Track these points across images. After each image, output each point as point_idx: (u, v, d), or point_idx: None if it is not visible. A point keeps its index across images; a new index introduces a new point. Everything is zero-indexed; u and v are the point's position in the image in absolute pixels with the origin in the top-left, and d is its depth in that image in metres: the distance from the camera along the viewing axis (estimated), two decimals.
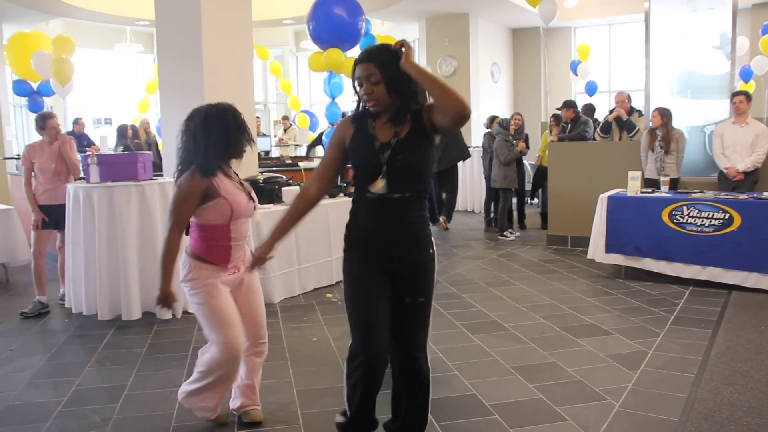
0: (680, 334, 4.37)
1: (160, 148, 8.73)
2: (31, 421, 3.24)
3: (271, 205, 5.50)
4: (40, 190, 5.26)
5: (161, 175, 5.72)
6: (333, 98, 8.12)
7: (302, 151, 11.26)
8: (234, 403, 3.18)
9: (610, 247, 5.93)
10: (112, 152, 7.54)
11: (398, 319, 2.50)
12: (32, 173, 5.30)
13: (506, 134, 8.25)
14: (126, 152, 6.68)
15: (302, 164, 7.90)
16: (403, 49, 2.30)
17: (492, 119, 9.09)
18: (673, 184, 6.40)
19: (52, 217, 5.23)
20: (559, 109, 8.56)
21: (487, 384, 3.59)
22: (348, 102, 6.25)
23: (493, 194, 9.10)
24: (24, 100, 9.72)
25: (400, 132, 2.41)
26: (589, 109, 8.96)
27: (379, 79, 2.33)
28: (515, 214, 9.01)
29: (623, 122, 7.33)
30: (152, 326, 4.80)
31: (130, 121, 11.49)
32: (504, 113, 13.25)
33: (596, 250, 6.03)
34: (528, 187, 9.72)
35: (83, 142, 9.01)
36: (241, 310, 2.98)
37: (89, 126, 12.71)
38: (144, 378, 3.80)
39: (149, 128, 10.07)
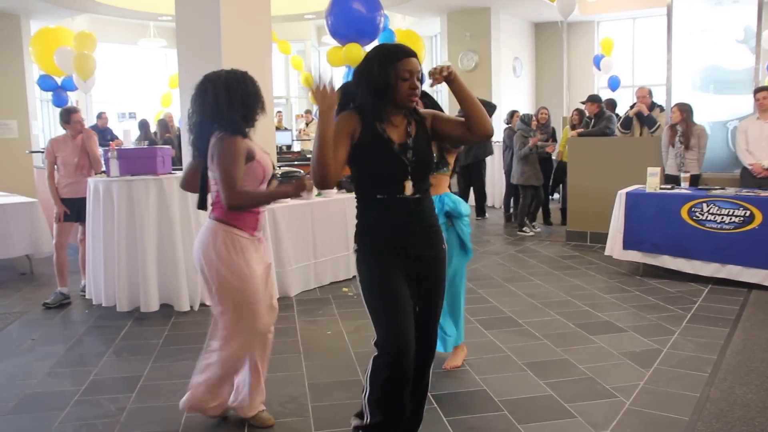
0: (696, 332, 4.32)
1: None
2: (49, 409, 3.32)
3: (289, 199, 5.53)
4: (62, 184, 5.36)
5: (180, 169, 5.79)
6: None
7: None
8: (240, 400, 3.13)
9: (627, 244, 5.87)
10: (134, 146, 7.65)
11: (418, 317, 2.50)
12: (55, 167, 5.40)
13: (526, 129, 8.19)
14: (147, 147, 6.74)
15: None
16: (451, 69, 2.41)
17: (512, 114, 9.04)
18: (695, 181, 6.31)
19: (73, 210, 5.33)
20: (583, 103, 8.48)
21: (498, 380, 3.59)
22: None
23: (513, 190, 9.07)
24: (50, 95, 9.88)
25: (411, 132, 2.44)
26: (611, 104, 8.86)
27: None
28: (541, 210, 8.89)
29: (644, 118, 7.24)
30: (169, 318, 4.88)
31: (153, 115, 11.66)
32: (526, 108, 13.18)
33: (614, 246, 5.98)
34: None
35: (107, 136, 9.16)
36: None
37: (114, 120, 12.92)
38: (159, 369, 3.87)
39: (173, 122, 10.18)
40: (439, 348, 3.69)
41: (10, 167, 10.11)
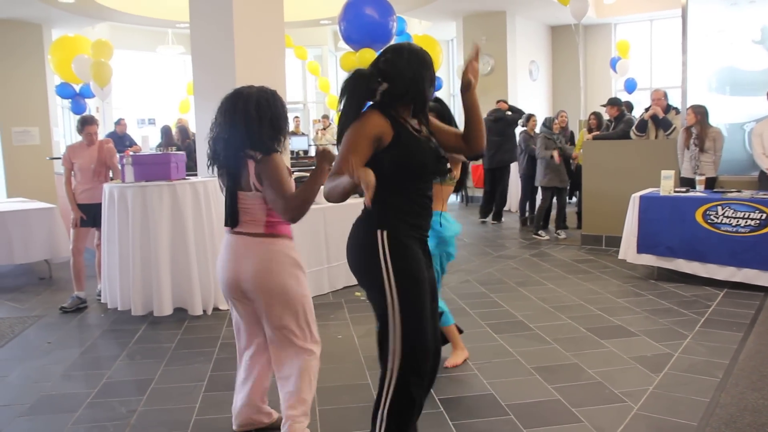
0: (709, 336, 4.27)
1: None
2: (62, 411, 3.39)
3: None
4: (79, 189, 5.46)
5: (195, 175, 5.87)
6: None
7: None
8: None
9: (641, 248, 5.82)
10: (154, 152, 7.74)
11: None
12: (72, 173, 5.50)
13: (549, 133, 8.15)
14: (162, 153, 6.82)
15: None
16: (473, 82, 2.42)
17: (528, 117, 9.01)
18: (711, 183, 6.24)
19: (90, 216, 5.42)
20: (603, 106, 8.43)
21: (506, 384, 3.58)
22: None
23: (528, 194, 9.05)
24: (69, 102, 10.05)
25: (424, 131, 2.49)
26: (627, 106, 8.82)
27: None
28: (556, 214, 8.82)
29: (659, 120, 7.18)
30: (183, 322, 4.93)
31: (171, 122, 11.79)
32: (542, 112, 13.13)
33: (627, 250, 5.94)
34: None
35: (125, 142, 9.28)
36: None
37: (133, 126, 13.10)
38: (171, 372, 3.92)
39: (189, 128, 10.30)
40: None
41: (31, 173, 10.30)
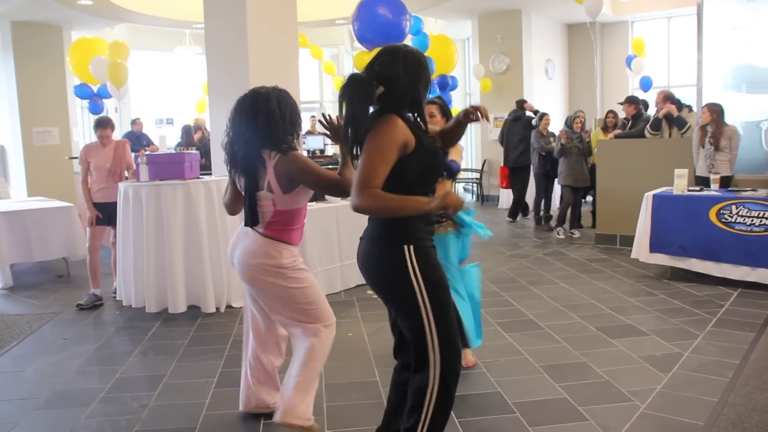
0: (721, 336, 4.25)
1: None
2: (75, 405, 3.46)
3: (314, 203, 5.61)
4: (94, 188, 5.55)
5: (209, 174, 5.94)
6: None
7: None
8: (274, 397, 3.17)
9: (654, 247, 5.79)
10: (172, 151, 7.83)
11: None
12: (89, 172, 5.59)
13: (569, 132, 8.13)
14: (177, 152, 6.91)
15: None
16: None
17: (541, 116, 8.98)
18: (726, 182, 6.19)
19: (105, 214, 5.51)
20: (620, 104, 8.37)
21: (514, 382, 3.59)
22: None
23: (542, 192, 9.03)
24: (87, 103, 10.21)
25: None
26: (643, 105, 8.74)
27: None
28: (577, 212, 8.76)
29: (674, 119, 7.12)
30: (196, 319, 5.00)
31: (189, 121, 11.90)
32: (558, 110, 13.06)
33: (640, 249, 5.90)
34: None
35: (142, 141, 9.40)
36: None
37: (152, 126, 13.23)
38: (183, 368, 3.98)
39: (205, 127, 10.39)
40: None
41: (51, 173, 10.46)
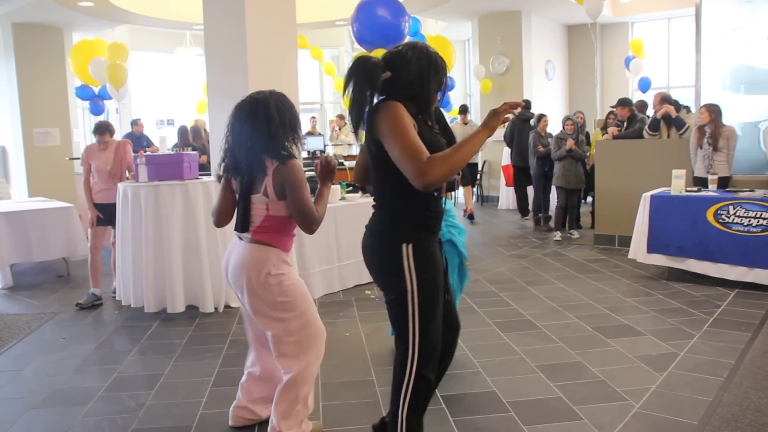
0: (717, 336, 4.26)
1: None
2: (73, 404, 3.48)
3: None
4: (95, 189, 5.58)
5: (208, 175, 5.95)
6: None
7: (356, 150, 11.43)
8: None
9: (652, 247, 5.80)
10: (171, 153, 7.86)
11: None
12: (90, 173, 5.63)
13: (562, 133, 8.15)
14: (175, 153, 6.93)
15: (347, 164, 8.04)
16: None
17: (539, 118, 9.00)
18: (724, 183, 6.20)
19: (106, 215, 5.54)
20: (613, 107, 8.39)
21: (509, 381, 3.61)
22: None
23: (540, 193, 9.04)
24: (88, 104, 10.23)
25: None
26: (642, 106, 8.76)
27: None
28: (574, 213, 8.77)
29: (673, 119, 7.13)
30: (194, 319, 5.02)
31: (188, 122, 11.93)
32: (558, 111, 13.07)
33: (638, 250, 5.92)
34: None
35: (143, 142, 9.43)
36: None
37: (152, 127, 13.27)
38: (180, 368, 4.00)
39: (205, 128, 10.41)
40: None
41: (52, 173, 10.50)
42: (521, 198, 10.07)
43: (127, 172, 5.73)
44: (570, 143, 7.95)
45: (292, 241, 2.91)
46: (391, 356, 2.82)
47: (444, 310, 2.44)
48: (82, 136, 12.13)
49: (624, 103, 8.17)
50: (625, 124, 8.09)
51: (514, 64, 12.25)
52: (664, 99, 7.24)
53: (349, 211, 5.84)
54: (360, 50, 8.27)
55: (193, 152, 5.64)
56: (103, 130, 5.64)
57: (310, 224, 2.69)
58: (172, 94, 14.96)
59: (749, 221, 5.30)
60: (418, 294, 2.30)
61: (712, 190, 5.85)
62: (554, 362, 3.88)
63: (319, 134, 12.75)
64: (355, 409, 3.34)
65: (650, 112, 8.83)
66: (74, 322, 5.11)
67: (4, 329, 4.93)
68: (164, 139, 6.96)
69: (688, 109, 7.23)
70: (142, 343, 4.50)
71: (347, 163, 8.07)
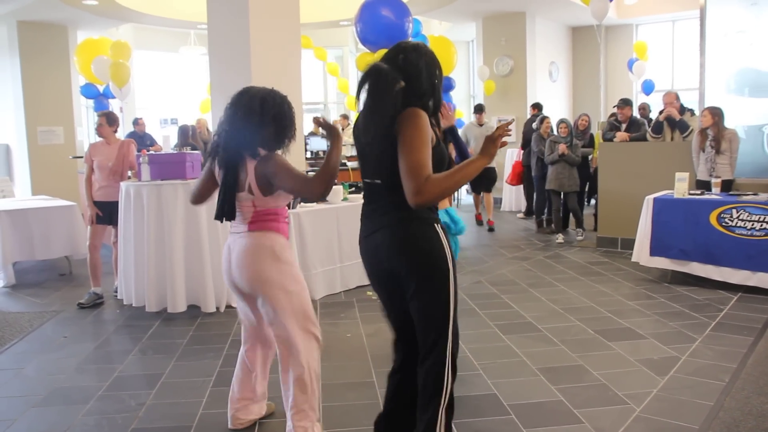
0: (719, 340, 4.24)
1: None
2: (74, 403, 3.48)
3: (315, 204, 5.63)
4: (96, 187, 5.58)
5: None
6: None
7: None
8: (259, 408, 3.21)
9: (654, 250, 5.79)
10: (173, 152, 7.86)
11: None
12: (93, 171, 5.63)
13: (557, 136, 8.14)
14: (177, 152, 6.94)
15: (350, 164, 8.04)
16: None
17: (542, 120, 8.99)
18: (727, 186, 6.17)
19: (106, 213, 5.53)
20: (617, 107, 8.33)
21: (510, 384, 3.60)
22: None
23: (542, 195, 9.02)
24: (93, 102, 10.26)
25: None
26: (646, 108, 8.74)
27: None
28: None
29: (676, 122, 7.11)
30: (196, 319, 5.02)
31: (191, 121, 11.94)
32: (562, 113, 13.06)
33: (641, 253, 5.90)
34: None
35: (146, 141, 9.43)
36: None
37: (156, 126, 13.28)
38: (181, 367, 4.00)
39: (208, 127, 10.41)
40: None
41: (55, 172, 10.52)
42: (529, 197, 10.10)
43: (129, 171, 5.74)
44: (562, 148, 7.90)
45: (288, 226, 2.92)
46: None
47: None
48: (86, 135, 12.15)
49: (626, 103, 8.14)
50: (624, 126, 8.05)
51: (518, 66, 12.25)
52: (677, 98, 7.23)
53: (352, 212, 5.83)
54: (363, 50, 8.26)
55: (196, 152, 5.63)
56: (100, 113, 5.75)
57: (313, 187, 2.58)
58: (176, 93, 14.98)
59: (752, 225, 5.28)
60: (453, 276, 2.31)
61: (715, 194, 5.83)
62: (555, 365, 3.87)
63: (323, 135, 12.76)
64: (355, 410, 3.33)
65: (654, 114, 8.82)
66: (75, 321, 5.12)
67: (6, 327, 4.94)
68: (167, 138, 6.98)
69: (692, 112, 7.20)
70: (143, 343, 4.50)
71: (350, 164, 8.07)
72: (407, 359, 2.53)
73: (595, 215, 8.57)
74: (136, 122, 9.73)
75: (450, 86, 9.97)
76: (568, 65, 13.97)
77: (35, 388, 3.72)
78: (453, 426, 2.45)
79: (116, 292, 5.72)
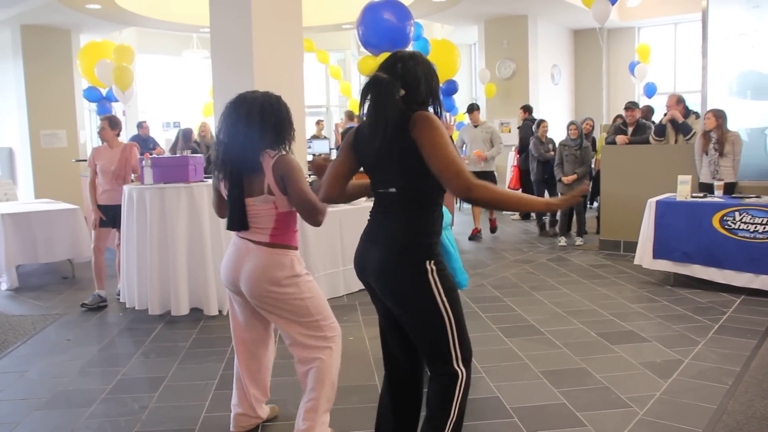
0: (722, 343, 4.24)
1: None
2: (77, 406, 3.49)
3: None
4: (99, 190, 5.60)
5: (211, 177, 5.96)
6: None
7: None
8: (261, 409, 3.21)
9: (657, 253, 5.78)
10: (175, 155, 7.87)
11: None
12: (96, 174, 5.65)
13: (566, 139, 8.14)
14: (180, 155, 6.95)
15: None
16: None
17: (539, 123, 9.00)
18: (730, 189, 6.16)
19: (109, 216, 5.55)
20: (627, 109, 8.28)
21: (513, 387, 3.60)
22: None
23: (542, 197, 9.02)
24: (95, 106, 10.29)
25: None
26: (648, 111, 8.74)
27: None
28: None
29: (679, 125, 7.11)
30: (198, 322, 5.03)
31: (195, 125, 11.96)
32: (564, 116, 13.07)
33: (643, 255, 5.90)
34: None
35: (149, 144, 9.45)
36: None
37: (159, 129, 13.30)
38: (184, 370, 4.00)
39: (212, 131, 10.44)
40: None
41: (58, 175, 10.57)
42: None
43: (132, 175, 5.75)
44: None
45: (296, 236, 2.88)
46: None
47: None
48: (89, 138, 12.19)
49: (634, 105, 8.12)
50: (630, 130, 8.04)
51: (520, 69, 12.26)
52: (680, 101, 7.20)
53: (354, 216, 5.84)
54: (366, 54, 8.28)
55: (198, 155, 5.64)
56: (103, 117, 5.75)
57: (316, 215, 2.65)
58: (179, 96, 15.02)
59: (755, 227, 5.27)
60: (449, 305, 2.27)
61: (717, 196, 5.83)
62: (558, 368, 3.87)
63: (325, 137, 12.78)
64: (357, 413, 3.33)
65: (657, 116, 8.82)
66: (79, 324, 5.13)
67: (10, 330, 4.95)
68: (170, 142, 6.99)
69: (696, 114, 7.19)
70: (146, 346, 4.51)
71: None
72: (407, 361, 2.53)
73: (598, 218, 8.57)
74: (140, 125, 9.76)
75: (453, 89, 9.99)
76: (570, 68, 13.98)
77: (38, 391, 3.73)
78: None
79: (119, 295, 5.73)
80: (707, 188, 6.20)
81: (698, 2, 6.99)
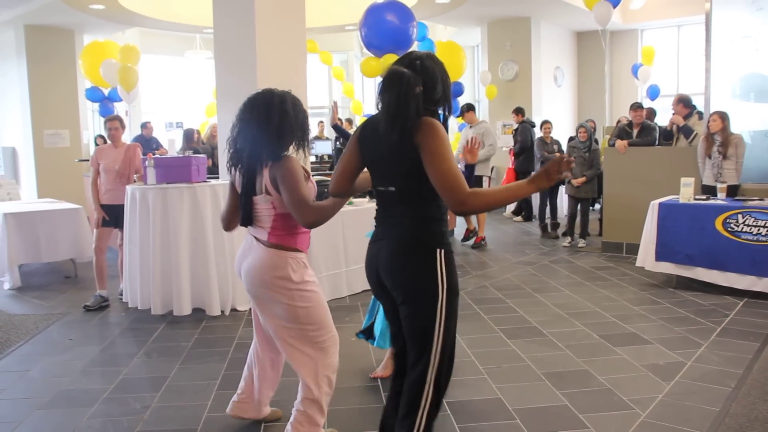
0: (724, 346, 4.23)
1: None
2: (79, 405, 3.49)
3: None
4: (102, 190, 5.61)
5: (217, 178, 5.98)
6: None
7: None
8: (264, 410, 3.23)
9: (660, 255, 5.77)
10: (177, 155, 7.87)
11: None
12: (99, 174, 5.66)
13: (575, 141, 8.14)
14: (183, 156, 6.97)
15: None
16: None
17: (542, 124, 8.99)
18: (733, 191, 6.16)
19: (112, 216, 5.55)
20: (633, 109, 8.24)
21: (515, 389, 3.59)
22: None
23: (546, 200, 9.02)
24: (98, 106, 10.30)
25: None
26: (651, 113, 8.73)
27: None
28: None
29: (680, 128, 7.10)
30: (201, 322, 5.03)
31: (198, 125, 11.98)
32: (567, 118, 13.07)
33: (646, 258, 5.89)
34: None
35: (152, 145, 9.45)
36: None
37: (162, 129, 13.33)
38: (186, 370, 4.00)
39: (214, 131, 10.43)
40: (384, 345, 3.77)
41: (61, 175, 10.58)
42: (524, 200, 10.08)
43: (135, 175, 5.76)
44: (578, 182, 7.88)
45: (309, 237, 2.86)
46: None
47: None
48: (92, 138, 12.20)
49: (639, 106, 8.09)
50: (636, 131, 8.01)
51: (523, 70, 12.25)
52: (681, 101, 7.18)
53: (357, 216, 5.84)
54: (369, 55, 8.28)
55: (201, 155, 5.65)
56: (111, 117, 5.79)
57: (305, 215, 2.57)
58: (182, 96, 15.04)
59: (758, 230, 5.26)
60: (446, 300, 2.29)
61: (720, 199, 5.82)
62: (560, 370, 3.87)
63: (327, 139, 12.78)
64: (358, 414, 3.33)
65: (659, 118, 8.81)
66: (81, 324, 5.13)
67: (12, 330, 4.95)
68: (173, 142, 6.99)
69: (700, 115, 7.17)
70: (148, 346, 4.51)
71: None
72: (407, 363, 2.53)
73: (600, 220, 8.56)
74: (145, 126, 9.75)
75: (459, 91, 9.98)
76: (573, 70, 13.97)
77: (40, 391, 3.73)
78: None
79: (121, 294, 5.73)
80: (710, 190, 6.20)
81: (701, 4, 6.98)
